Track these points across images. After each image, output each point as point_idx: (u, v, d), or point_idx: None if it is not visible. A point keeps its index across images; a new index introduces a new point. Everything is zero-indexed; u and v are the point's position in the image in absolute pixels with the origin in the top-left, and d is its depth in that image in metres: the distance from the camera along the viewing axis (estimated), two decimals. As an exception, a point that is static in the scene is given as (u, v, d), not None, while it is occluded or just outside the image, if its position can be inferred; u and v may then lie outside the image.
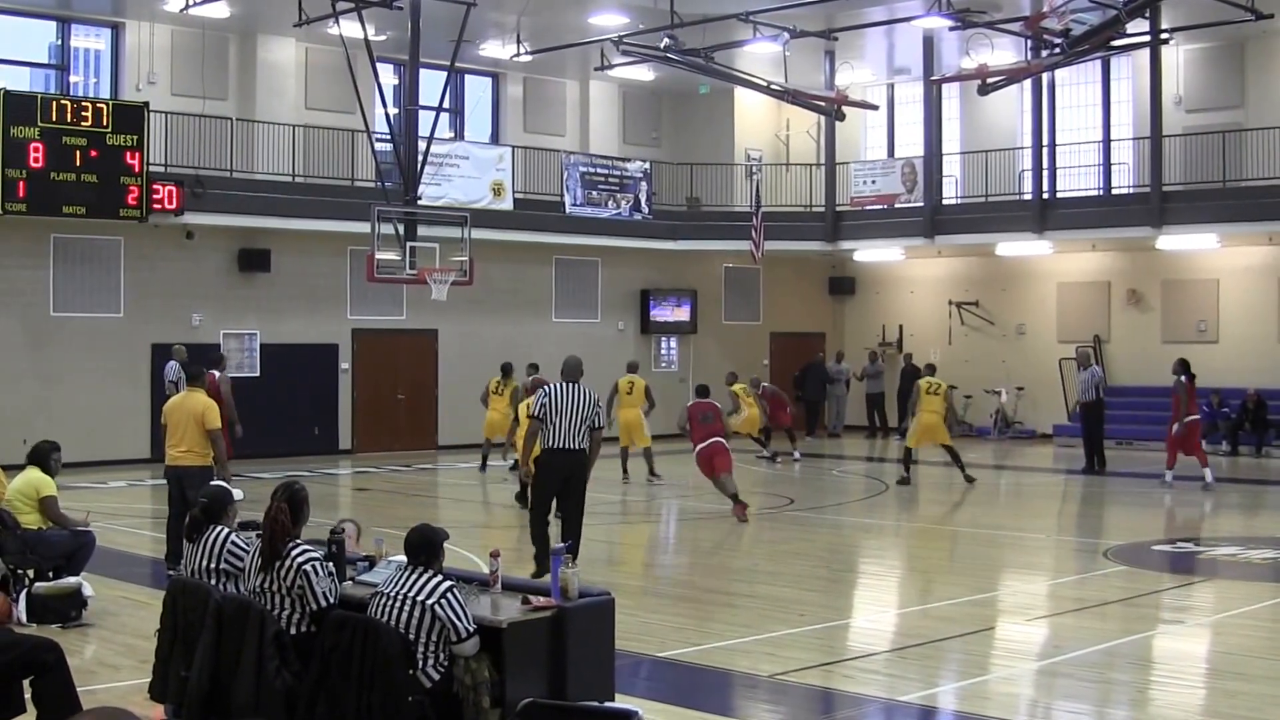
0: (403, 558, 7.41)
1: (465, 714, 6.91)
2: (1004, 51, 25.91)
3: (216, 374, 18.47)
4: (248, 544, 8.01)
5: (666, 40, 24.21)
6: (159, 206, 23.82)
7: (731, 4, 23.92)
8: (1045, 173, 29.24)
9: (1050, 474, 24.74)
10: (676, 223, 31.54)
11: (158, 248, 25.06)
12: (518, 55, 26.92)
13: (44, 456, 11.99)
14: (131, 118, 23.63)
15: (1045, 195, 29.17)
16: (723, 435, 18.60)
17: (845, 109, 27.59)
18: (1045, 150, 29.32)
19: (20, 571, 11.27)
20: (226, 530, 8.26)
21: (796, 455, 26.26)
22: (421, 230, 24.08)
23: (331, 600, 7.42)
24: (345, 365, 27.56)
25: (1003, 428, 31.45)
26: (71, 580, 11.22)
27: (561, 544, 8.26)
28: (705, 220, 31.90)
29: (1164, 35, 26.39)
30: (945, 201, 31.23)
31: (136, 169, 23.50)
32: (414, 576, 7.08)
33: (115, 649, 10.38)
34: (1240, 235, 27.65)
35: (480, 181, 27.58)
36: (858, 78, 31.22)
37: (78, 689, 7.55)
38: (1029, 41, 24.41)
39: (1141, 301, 30.19)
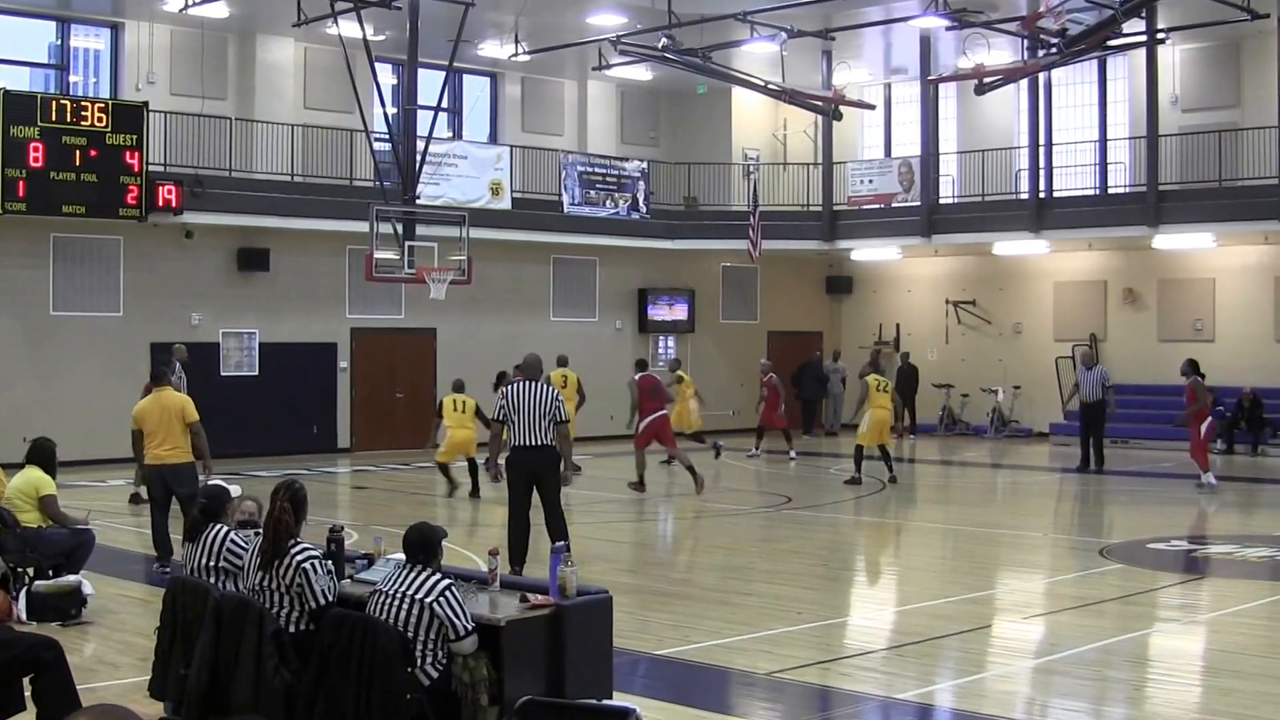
0: (401, 556, 7.45)
1: (464, 712, 6.94)
2: (1000, 51, 25.93)
3: (172, 376, 18.47)
4: (246, 542, 8.05)
5: (664, 40, 24.26)
6: (159, 206, 23.84)
7: (729, 4, 23.96)
8: (1042, 172, 29.28)
9: (1047, 473, 24.78)
10: (674, 222, 31.58)
11: (157, 247, 25.10)
12: (516, 55, 26.97)
13: (44, 455, 12.03)
14: (131, 117, 23.67)
15: (1042, 195, 29.21)
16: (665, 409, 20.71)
17: (842, 109, 27.66)
18: (1042, 150, 29.34)
19: (20, 570, 11.30)
20: (225, 529, 8.30)
21: (792, 455, 26.32)
22: (420, 230, 24.12)
23: (330, 599, 7.46)
24: (344, 364, 27.60)
25: (999, 426, 31.49)
26: (71, 578, 11.25)
27: (558, 544, 8.28)
28: (703, 220, 31.93)
29: (1160, 35, 26.43)
30: (942, 201, 31.29)
31: (136, 168, 23.54)
32: (412, 575, 7.11)
33: (115, 647, 10.42)
34: (1236, 234, 27.70)
35: (478, 181, 27.62)
36: (855, 77, 31.25)
37: (77, 687, 7.58)
38: (1025, 41, 24.47)
39: (1138, 301, 30.24)
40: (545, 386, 12.96)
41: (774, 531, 17.27)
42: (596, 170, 30.23)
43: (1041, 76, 28.05)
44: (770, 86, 25.74)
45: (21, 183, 22.34)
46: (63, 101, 23.19)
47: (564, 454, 12.91)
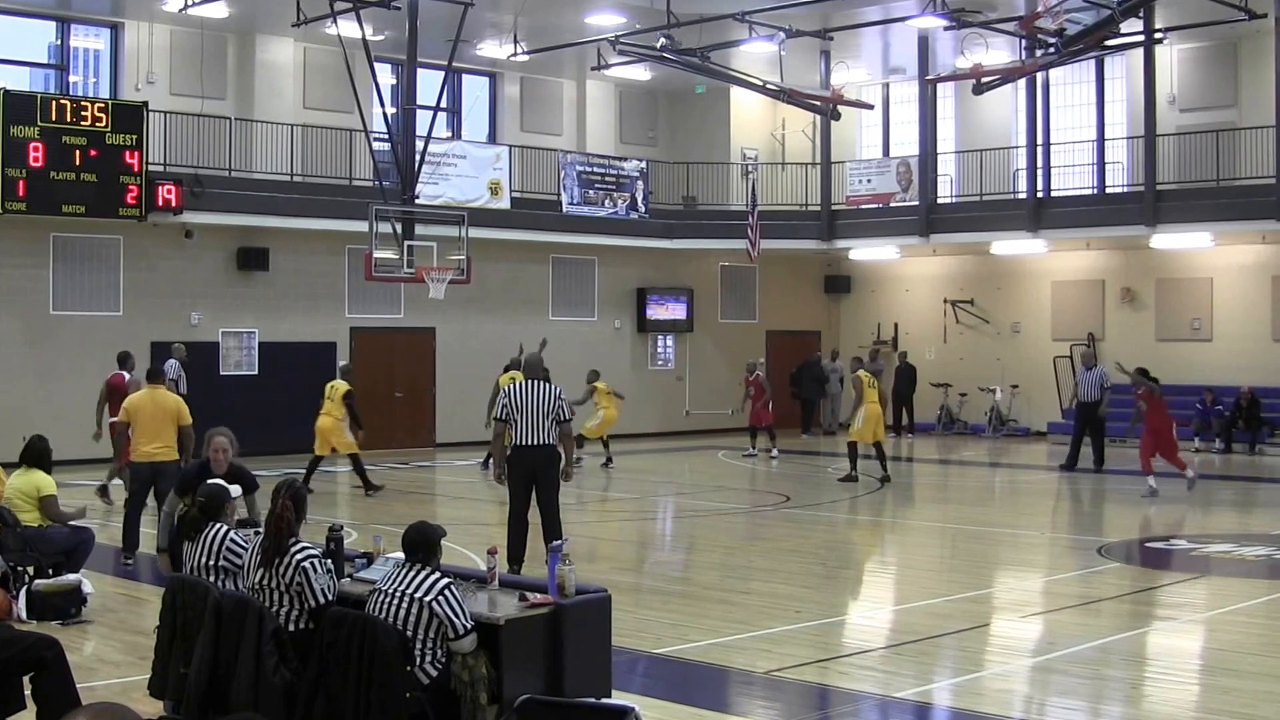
0: (400, 555, 7.48)
1: (463, 710, 6.96)
2: (999, 51, 25.96)
3: (126, 375, 18.42)
4: (246, 541, 8.08)
5: (663, 40, 24.30)
6: (158, 206, 23.87)
7: (727, 4, 24.00)
8: (1040, 172, 29.29)
9: (1045, 471, 24.80)
10: (673, 221, 31.60)
11: (157, 247, 25.12)
12: (515, 55, 26.99)
13: (42, 454, 12.05)
14: (131, 117, 23.69)
15: (1040, 194, 29.24)
16: None
17: (841, 108, 27.69)
18: (1040, 149, 29.36)
19: (20, 569, 11.33)
20: (225, 528, 8.32)
21: (774, 453, 26.39)
22: (419, 229, 24.14)
23: (330, 597, 7.48)
24: (343, 363, 27.56)
25: (997, 425, 31.52)
26: (71, 577, 11.28)
27: (556, 543, 8.30)
28: (701, 219, 31.95)
29: (1158, 35, 26.50)
30: (940, 200, 31.31)
31: (136, 168, 23.56)
32: (412, 574, 7.14)
33: (114, 645, 10.44)
34: (1234, 234, 27.72)
35: (477, 180, 27.64)
36: (853, 77, 31.28)
37: (77, 685, 7.59)
38: (1024, 41, 24.50)
39: (1136, 300, 30.27)
40: (548, 385, 13.00)
41: (772, 530, 17.30)
42: (595, 170, 30.25)
43: (1039, 76, 28.07)
44: (769, 86, 25.77)
45: (21, 182, 22.37)
46: (63, 101, 23.21)
47: (566, 453, 12.95)
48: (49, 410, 23.20)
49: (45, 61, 26.26)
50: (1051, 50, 23.61)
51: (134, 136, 23.57)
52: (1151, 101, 27.80)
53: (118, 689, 8.85)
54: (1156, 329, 29.91)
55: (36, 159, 22.48)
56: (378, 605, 7.10)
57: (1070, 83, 30.67)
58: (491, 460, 13.36)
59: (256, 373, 26.37)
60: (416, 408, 28.51)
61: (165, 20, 25.72)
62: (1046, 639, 10.98)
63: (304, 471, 20.00)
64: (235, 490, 8.96)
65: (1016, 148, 30.40)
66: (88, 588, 11.27)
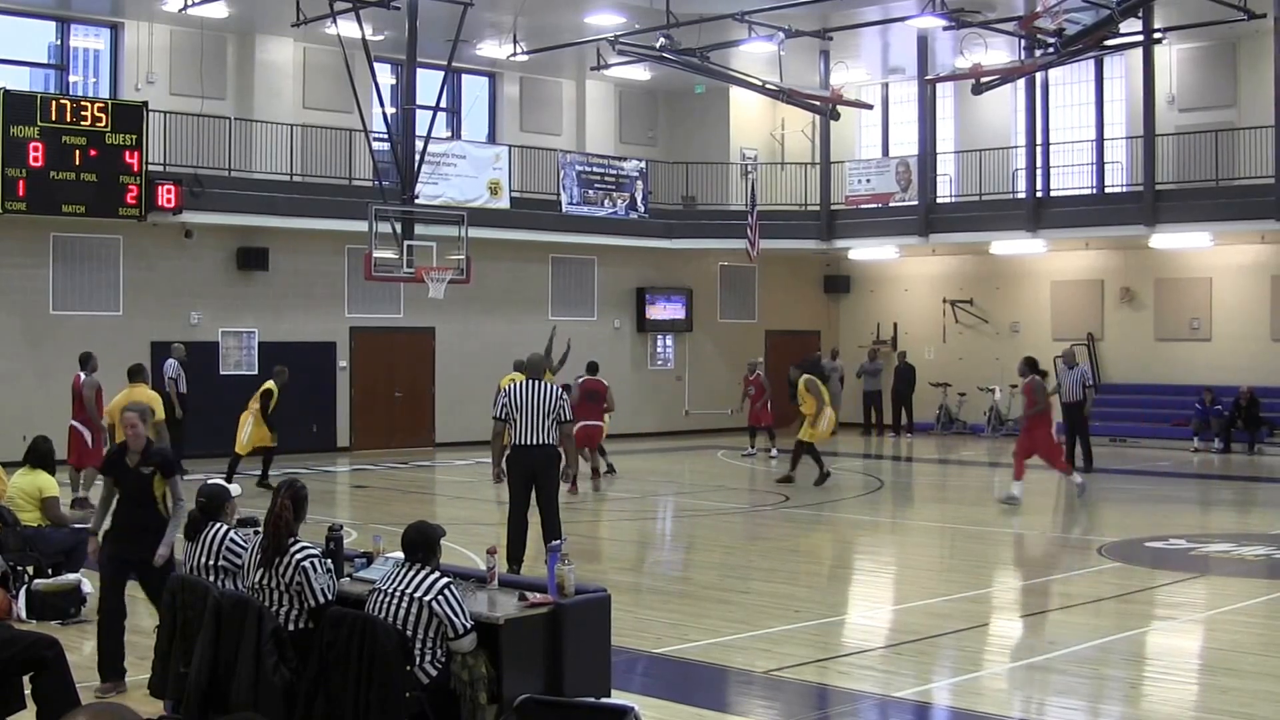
0: (399, 555, 7.49)
1: (462, 710, 6.98)
2: (998, 51, 25.98)
3: (81, 376, 18.22)
4: (246, 541, 8.09)
5: (662, 40, 24.30)
6: (158, 205, 23.88)
7: (727, 4, 24.01)
8: (1039, 171, 29.30)
9: (1043, 471, 24.75)
10: (672, 221, 31.61)
11: (156, 246, 25.13)
12: (514, 55, 26.98)
13: (46, 456, 12.08)
14: (130, 117, 23.70)
15: (1039, 194, 29.24)
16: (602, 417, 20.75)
17: (840, 108, 27.70)
18: (1039, 149, 29.36)
19: (20, 568, 11.34)
20: (225, 527, 8.33)
21: (773, 453, 26.31)
22: (419, 229, 24.14)
23: (330, 597, 7.49)
24: (343, 363, 27.62)
25: (996, 425, 31.52)
26: (71, 577, 11.30)
27: (555, 542, 8.32)
28: (701, 219, 31.96)
29: (1157, 35, 26.52)
30: (939, 200, 31.32)
31: (135, 168, 23.57)
32: (412, 573, 7.14)
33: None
34: (1233, 234, 27.73)
35: (477, 180, 27.64)
36: (852, 77, 31.29)
37: (77, 685, 7.61)
38: (1023, 41, 24.50)
39: (1135, 300, 30.28)
40: (549, 385, 13.02)
41: (772, 530, 17.31)
42: (595, 170, 30.26)
43: (1039, 76, 28.08)
44: (768, 86, 25.78)
45: (21, 182, 22.37)
46: (63, 101, 23.22)
47: (566, 452, 12.96)
48: (49, 410, 23.15)
49: (45, 61, 26.27)
50: (1051, 50, 23.62)
51: (134, 136, 23.58)
52: (1151, 101, 27.81)
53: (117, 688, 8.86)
54: (1156, 329, 29.92)
55: (36, 159, 22.49)
56: (377, 605, 7.11)
57: (1069, 83, 30.68)
58: (490, 459, 13.35)
59: (256, 373, 26.32)
60: (416, 408, 28.52)
61: (165, 20, 25.72)
62: (1046, 639, 10.99)
63: (290, 472, 19.98)
64: (235, 490, 8.97)
65: (1016, 148, 30.40)
66: (87, 587, 11.29)
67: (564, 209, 29.54)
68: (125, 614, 9.21)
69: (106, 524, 9.48)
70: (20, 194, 22.39)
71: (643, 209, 30.86)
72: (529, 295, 29.96)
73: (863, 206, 31.57)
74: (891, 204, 31.04)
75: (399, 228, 23.68)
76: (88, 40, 26.66)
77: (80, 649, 9.93)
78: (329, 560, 7.81)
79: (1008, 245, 30.37)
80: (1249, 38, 27.35)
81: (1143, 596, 12.74)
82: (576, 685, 7.21)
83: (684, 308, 32.65)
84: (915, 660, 10.03)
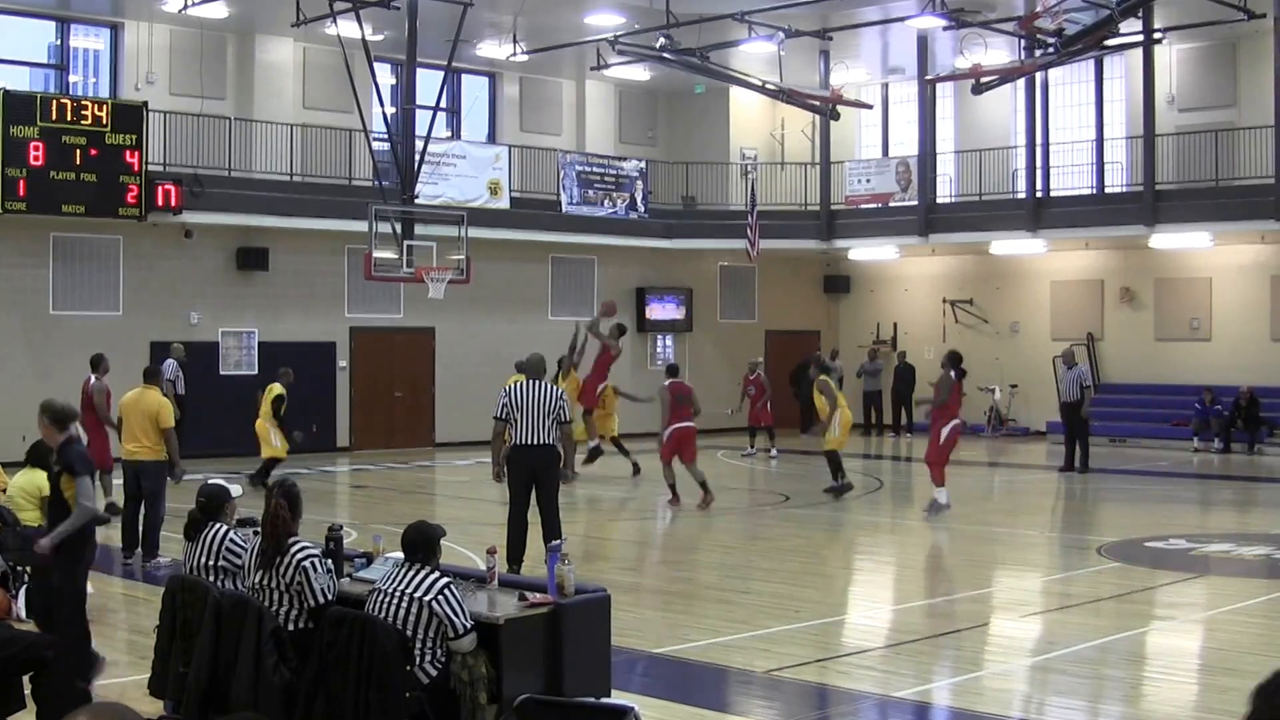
0: (399, 555, 7.49)
1: (462, 710, 6.98)
2: (998, 51, 25.97)
3: (92, 379, 17.83)
4: (246, 541, 8.09)
5: (662, 40, 24.31)
6: (158, 205, 23.88)
7: (727, 4, 24.01)
8: (1039, 171, 29.31)
9: (1043, 471, 24.81)
10: (672, 221, 31.61)
11: (156, 246, 25.13)
12: (514, 55, 27.00)
13: (47, 456, 12.05)
14: (130, 117, 23.70)
15: (1039, 194, 29.25)
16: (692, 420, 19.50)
17: (840, 108, 27.69)
18: (1039, 149, 29.37)
19: (19, 568, 11.33)
20: (225, 528, 8.33)
21: (773, 453, 26.29)
22: (419, 229, 24.15)
23: (330, 596, 7.49)
24: (343, 363, 27.62)
25: (996, 425, 31.54)
26: (71, 577, 11.28)
27: (555, 542, 8.32)
28: (701, 219, 31.96)
29: (1157, 35, 26.52)
30: (939, 200, 31.32)
31: (135, 168, 23.57)
32: (411, 573, 7.14)
33: (115, 645, 10.46)
34: (1233, 234, 27.73)
35: (477, 180, 27.65)
36: (852, 77, 31.28)
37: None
38: (1023, 41, 24.50)
39: (1135, 300, 30.29)
40: (550, 385, 13.04)
41: (771, 530, 17.31)
42: (595, 170, 30.27)
43: (1039, 76, 28.09)
44: (768, 86, 25.78)
45: (21, 182, 22.38)
46: (63, 101, 23.22)
47: (565, 452, 12.97)
48: (49, 410, 23.17)
49: (45, 61, 26.28)
50: (1050, 50, 23.62)
51: (134, 136, 23.58)
52: (1150, 101, 27.81)
53: (117, 688, 8.86)
54: (1155, 329, 29.92)
55: (36, 159, 22.49)
56: (377, 605, 7.11)
57: (1069, 83, 30.69)
58: (490, 459, 13.36)
59: (256, 373, 26.35)
60: (416, 408, 28.52)
61: (165, 20, 25.73)
62: (1046, 639, 10.99)
63: (280, 474, 19.99)
64: (235, 490, 8.97)
65: (1015, 148, 30.41)
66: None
67: (564, 209, 29.55)
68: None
69: None
70: (20, 194, 22.39)
71: (643, 209, 30.86)
72: (529, 295, 29.96)
73: (863, 206, 31.58)
74: (891, 204, 31.05)
75: (399, 228, 23.68)
76: (88, 40, 26.67)
77: (80, 649, 9.92)
78: (329, 560, 7.82)
79: (1008, 245, 30.37)
80: (1249, 38, 27.35)
81: (1143, 596, 12.74)
82: (576, 685, 7.21)
83: (684, 308, 32.65)
84: (915, 660, 10.03)
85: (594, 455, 22.26)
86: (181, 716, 7.51)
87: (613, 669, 7.74)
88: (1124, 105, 30.15)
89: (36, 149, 22.49)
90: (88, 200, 23.15)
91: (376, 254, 23.19)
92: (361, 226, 23.72)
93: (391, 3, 22.88)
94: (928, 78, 29.43)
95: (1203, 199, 27.33)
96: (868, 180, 31.44)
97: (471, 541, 14.06)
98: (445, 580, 7.12)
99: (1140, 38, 26.21)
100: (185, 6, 24.08)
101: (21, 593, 11.06)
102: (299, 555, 7.46)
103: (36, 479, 11.81)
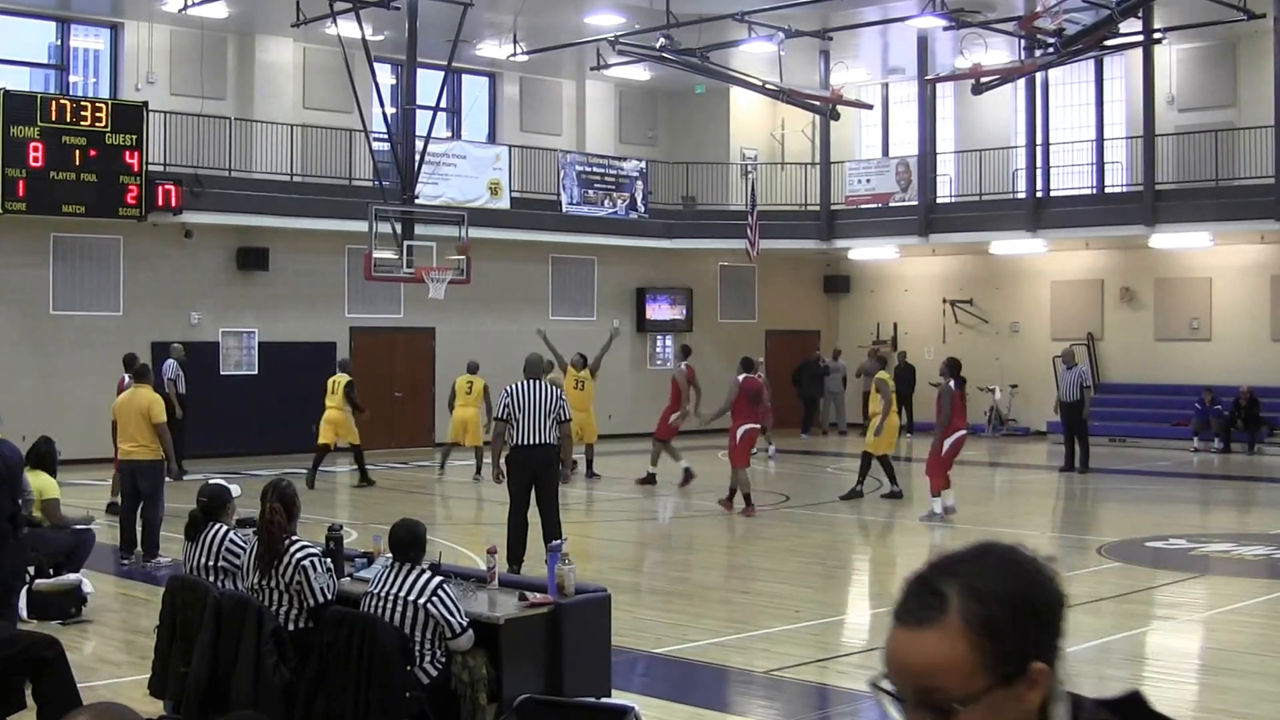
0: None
1: (462, 710, 6.98)
2: (998, 51, 25.97)
3: (126, 379, 17.74)
4: (245, 541, 8.09)
5: (662, 40, 24.32)
6: (158, 205, 23.90)
7: (727, 4, 24.02)
8: (1039, 171, 29.30)
9: (1044, 471, 24.81)
10: (672, 221, 31.62)
11: (157, 246, 25.13)
12: (514, 55, 27.01)
13: (47, 457, 12.06)
14: (130, 117, 23.71)
15: (1039, 194, 29.25)
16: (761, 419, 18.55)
17: (840, 108, 27.70)
18: (1039, 149, 29.37)
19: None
20: (225, 528, 8.34)
21: (771, 452, 26.07)
22: (419, 229, 24.16)
23: (329, 596, 7.49)
24: (343, 358, 27.56)
25: (996, 425, 31.54)
26: (71, 577, 11.31)
27: (555, 542, 8.32)
28: (701, 219, 31.97)
29: (1157, 35, 26.52)
30: (939, 200, 31.33)
31: (135, 168, 23.58)
32: (403, 576, 7.12)
33: (115, 645, 10.47)
34: (1233, 234, 27.73)
35: (477, 180, 27.66)
36: (852, 77, 31.28)
37: (78, 685, 7.62)
38: (1023, 41, 24.52)
39: (1135, 299, 30.29)
40: (549, 385, 13.06)
41: (772, 530, 17.30)
42: (595, 170, 30.27)
43: (1039, 76, 28.08)
44: (768, 86, 25.79)
45: (21, 182, 22.38)
46: (63, 101, 23.23)
47: (564, 452, 12.99)
48: (49, 410, 23.19)
49: (45, 62, 26.28)
50: (1050, 50, 23.63)
51: (134, 136, 23.59)
52: (1150, 101, 27.81)
53: (118, 688, 8.87)
54: (1155, 329, 29.92)
55: (36, 159, 22.50)
56: (372, 610, 7.10)
57: (1069, 83, 30.69)
58: (490, 459, 13.36)
59: (256, 373, 26.38)
60: (416, 407, 28.50)
61: (165, 20, 25.73)
62: (1046, 638, 10.97)
63: (306, 470, 20.14)
64: (236, 490, 8.98)
65: (1016, 148, 30.41)
66: (88, 587, 11.30)
67: (564, 209, 29.55)
68: None
69: None
70: (20, 194, 22.40)
71: (643, 209, 30.87)
72: (529, 295, 29.97)
73: (863, 206, 31.58)
74: (891, 204, 31.05)
75: (399, 228, 23.69)
76: (88, 40, 26.68)
77: (81, 649, 9.95)
78: (329, 559, 7.82)
79: (1008, 245, 30.38)
80: (1249, 38, 27.36)
81: (1143, 596, 12.75)
82: (576, 685, 7.22)
83: (684, 308, 32.65)
84: (915, 660, 10.01)
85: (688, 477, 21.12)
86: (181, 716, 7.52)
87: (613, 669, 7.75)
88: (1124, 105, 30.16)
89: (36, 149, 22.50)
90: (88, 200, 23.16)
91: (377, 254, 23.20)
92: (362, 226, 23.73)
93: (391, 3, 22.89)
94: (928, 78, 29.43)
95: (1203, 199, 27.34)
96: (868, 180, 31.44)
97: (472, 541, 14.08)
98: (437, 580, 7.11)
99: (1140, 38, 26.21)
100: (185, 6, 24.09)
101: (23, 593, 11.06)
102: (298, 555, 7.46)
103: (38, 481, 11.81)
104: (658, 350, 32.53)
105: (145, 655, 8.49)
